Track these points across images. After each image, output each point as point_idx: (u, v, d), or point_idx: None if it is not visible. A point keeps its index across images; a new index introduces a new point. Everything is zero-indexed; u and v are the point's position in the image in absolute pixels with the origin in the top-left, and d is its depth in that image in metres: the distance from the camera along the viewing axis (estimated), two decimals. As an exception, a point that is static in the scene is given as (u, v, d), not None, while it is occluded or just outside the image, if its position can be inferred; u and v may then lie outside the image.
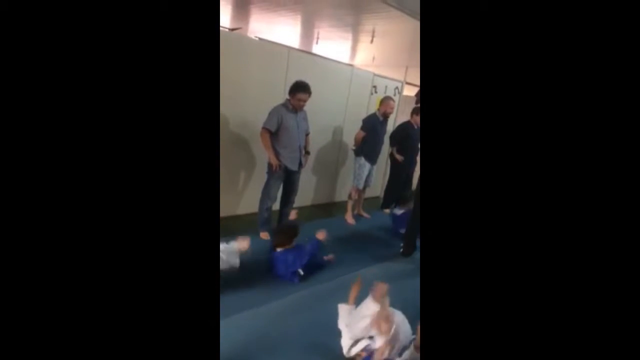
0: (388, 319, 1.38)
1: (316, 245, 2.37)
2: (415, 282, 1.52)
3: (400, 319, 1.50)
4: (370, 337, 1.47)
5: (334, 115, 3.97)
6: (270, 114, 2.76)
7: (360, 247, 3.07)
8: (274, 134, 2.76)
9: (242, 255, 2.07)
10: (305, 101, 2.76)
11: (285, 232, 2.44)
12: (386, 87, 4.41)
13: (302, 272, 2.28)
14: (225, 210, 3.23)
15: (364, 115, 3.71)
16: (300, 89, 2.72)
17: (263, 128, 2.75)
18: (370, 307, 1.46)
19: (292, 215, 2.71)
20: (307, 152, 3.01)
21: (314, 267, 2.42)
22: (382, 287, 1.46)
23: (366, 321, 1.44)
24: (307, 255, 2.29)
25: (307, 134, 2.98)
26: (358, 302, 1.60)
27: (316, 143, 3.75)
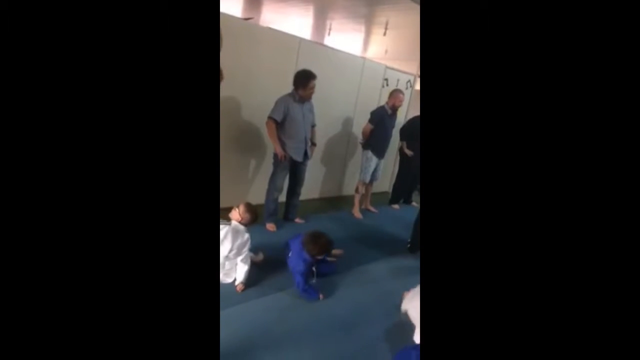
0: None
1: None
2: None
3: None
4: None
5: (344, 107, 3.91)
6: (276, 103, 2.73)
7: (367, 242, 3.04)
8: (279, 124, 2.73)
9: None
10: (313, 88, 2.75)
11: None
12: (398, 80, 4.34)
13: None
14: (234, 200, 3.22)
15: (375, 108, 3.66)
16: (306, 77, 2.71)
17: (269, 118, 2.72)
18: None
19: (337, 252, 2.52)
20: (314, 144, 2.98)
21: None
22: None
23: None
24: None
25: (313, 126, 2.94)
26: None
27: (325, 135, 3.71)
